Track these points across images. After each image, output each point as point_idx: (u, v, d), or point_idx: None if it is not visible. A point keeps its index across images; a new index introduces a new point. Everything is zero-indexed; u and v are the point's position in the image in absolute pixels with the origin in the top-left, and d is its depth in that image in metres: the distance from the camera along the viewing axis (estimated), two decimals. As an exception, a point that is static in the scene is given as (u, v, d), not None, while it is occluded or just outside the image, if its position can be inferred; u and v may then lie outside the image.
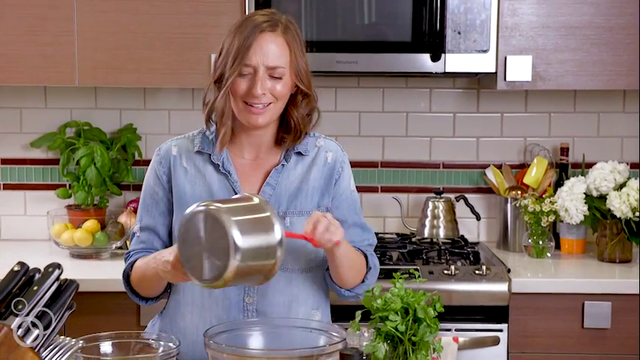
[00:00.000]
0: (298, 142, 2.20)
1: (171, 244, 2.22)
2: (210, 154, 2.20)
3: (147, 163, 3.47)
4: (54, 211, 3.39)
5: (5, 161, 3.57)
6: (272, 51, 2.08)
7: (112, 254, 3.28)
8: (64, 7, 3.13)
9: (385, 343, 1.73)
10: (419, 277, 1.79)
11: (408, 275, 1.92)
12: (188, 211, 1.89)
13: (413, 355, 1.69)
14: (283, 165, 2.20)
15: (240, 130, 2.20)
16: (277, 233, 1.85)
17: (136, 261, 2.21)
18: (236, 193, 2.16)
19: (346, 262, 2.12)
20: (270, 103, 2.10)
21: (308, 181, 2.20)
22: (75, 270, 3.06)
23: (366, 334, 1.85)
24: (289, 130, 2.19)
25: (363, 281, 2.19)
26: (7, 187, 3.58)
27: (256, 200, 1.91)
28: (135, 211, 3.40)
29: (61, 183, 3.55)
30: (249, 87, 2.08)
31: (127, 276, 2.24)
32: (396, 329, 1.70)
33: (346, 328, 1.94)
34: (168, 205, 2.23)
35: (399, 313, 1.70)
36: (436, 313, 1.73)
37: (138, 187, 3.53)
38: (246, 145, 2.21)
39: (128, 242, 3.17)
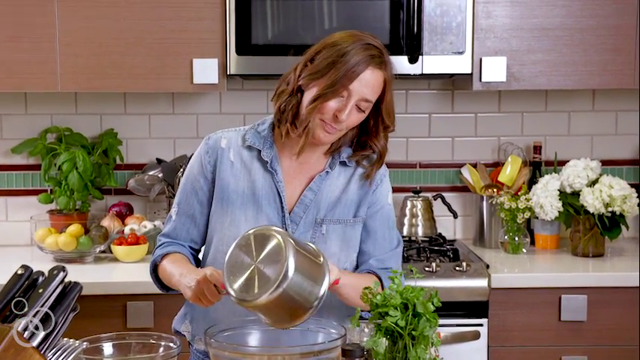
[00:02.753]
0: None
1: (207, 233, 2.26)
2: (259, 150, 2.20)
3: (129, 167, 3.56)
4: (37, 216, 3.40)
5: (-14, 168, 3.57)
6: (372, 87, 2.10)
7: (95, 258, 3.28)
8: (46, 13, 3.13)
9: (385, 338, 1.78)
10: (417, 273, 1.84)
11: (405, 272, 1.98)
12: (260, 227, 1.92)
13: (413, 349, 1.74)
14: (327, 172, 2.22)
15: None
16: (324, 287, 1.88)
17: (166, 254, 2.23)
18: (279, 193, 2.18)
19: (353, 293, 2.10)
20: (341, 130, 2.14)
21: (348, 192, 2.22)
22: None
23: (366, 330, 1.89)
24: (370, 159, 2.23)
25: None
26: (-13, 193, 3.58)
27: (313, 246, 1.95)
28: (117, 214, 3.42)
29: (42, 188, 3.54)
30: (337, 109, 2.09)
31: (154, 265, 2.26)
32: (396, 324, 1.74)
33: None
34: (207, 195, 2.23)
35: (398, 308, 1.75)
36: (434, 308, 1.78)
37: (119, 192, 3.57)
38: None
39: (113, 245, 3.23)
